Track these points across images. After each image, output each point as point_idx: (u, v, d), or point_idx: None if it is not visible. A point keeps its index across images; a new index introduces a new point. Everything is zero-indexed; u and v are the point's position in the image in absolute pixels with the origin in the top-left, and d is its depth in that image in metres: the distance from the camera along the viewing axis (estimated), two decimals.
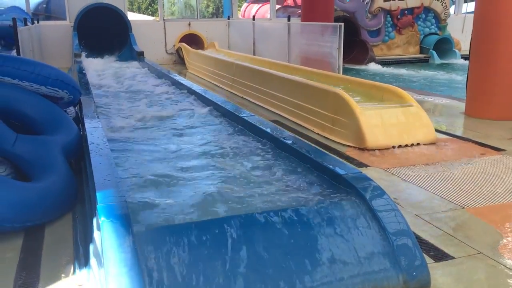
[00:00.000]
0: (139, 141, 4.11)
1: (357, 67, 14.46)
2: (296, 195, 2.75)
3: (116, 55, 12.20)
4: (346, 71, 13.63)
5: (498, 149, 4.96)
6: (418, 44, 16.21)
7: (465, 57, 15.87)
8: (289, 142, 3.53)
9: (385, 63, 15.12)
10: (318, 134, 5.65)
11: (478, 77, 6.41)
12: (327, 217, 2.45)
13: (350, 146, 5.09)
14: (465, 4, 17.69)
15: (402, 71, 13.65)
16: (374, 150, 4.93)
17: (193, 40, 14.02)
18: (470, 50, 6.62)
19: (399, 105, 5.38)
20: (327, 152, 3.47)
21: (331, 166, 2.98)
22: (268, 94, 7.22)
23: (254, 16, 13.22)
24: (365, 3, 15.39)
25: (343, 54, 15.70)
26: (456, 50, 15.72)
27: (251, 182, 2.97)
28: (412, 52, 16.19)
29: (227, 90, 8.96)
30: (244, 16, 21.68)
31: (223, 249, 2.09)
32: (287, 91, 6.66)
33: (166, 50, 13.87)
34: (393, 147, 5.01)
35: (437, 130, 5.66)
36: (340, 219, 2.46)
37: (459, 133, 5.67)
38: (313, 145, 3.85)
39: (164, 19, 13.88)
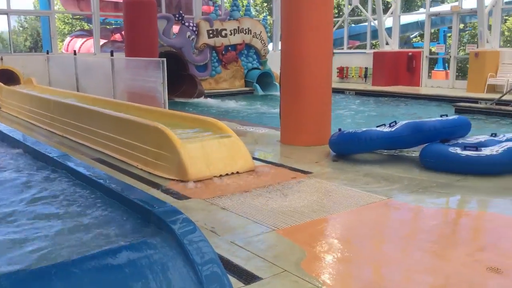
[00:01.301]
0: None
1: (187, 100, 14.79)
2: (103, 236, 2.65)
3: None
4: (176, 105, 13.85)
5: (306, 172, 5.48)
6: (243, 78, 17.28)
7: None
8: (100, 180, 3.41)
9: (214, 96, 15.76)
10: (141, 169, 5.57)
11: (288, 108, 7.06)
12: (134, 256, 2.40)
13: (173, 180, 5.13)
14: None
15: (229, 103, 14.36)
16: (196, 181, 5.04)
17: (7, 76, 12.86)
18: (280, 83, 7.27)
19: (219, 137, 5.62)
20: (138, 188, 3.43)
21: (141, 202, 2.95)
22: (89, 131, 6.92)
23: (75, 51, 12.67)
24: (191, 39, 15.90)
25: (173, 88, 15.97)
26: (276, 83, 17.10)
27: (51, 226, 2.78)
28: (238, 85, 17.18)
29: (46, 129, 8.35)
30: (67, 51, 20.64)
31: None
32: (109, 127, 6.47)
33: None
34: (215, 177, 5.19)
35: (255, 158, 6.05)
36: (148, 257, 2.43)
37: (275, 160, 6.13)
38: (125, 181, 3.78)
39: None
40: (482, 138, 5.86)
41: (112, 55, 10.16)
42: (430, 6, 16.82)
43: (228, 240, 3.54)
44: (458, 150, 5.37)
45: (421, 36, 23.46)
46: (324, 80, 7.00)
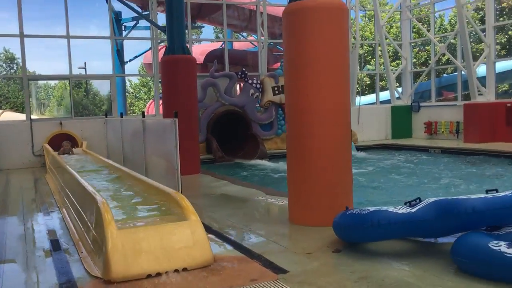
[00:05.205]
0: None
1: (249, 162, 13.81)
2: None
3: None
4: (235, 167, 12.96)
5: (280, 271, 3.96)
6: None
7: (360, 149, 15.64)
8: None
9: (279, 156, 14.57)
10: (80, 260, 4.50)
11: (294, 177, 5.64)
12: None
13: (97, 278, 3.96)
14: (358, 97, 17.89)
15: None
16: (121, 282, 3.81)
17: (70, 140, 13.05)
18: (287, 150, 5.92)
19: (172, 220, 4.38)
20: None
21: None
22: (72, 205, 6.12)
23: (121, 113, 12.45)
24: (254, 97, 15.11)
25: (236, 149, 15.12)
26: (352, 142, 15.47)
27: None
28: None
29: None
30: (148, 113, 21.09)
31: None
32: (81, 201, 5.59)
33: (33, 152, 12.69)
34: (149, 276, 3.91)
35: (234, 243, 4.72)
36: None
37: (255, 249, 4.66)
38: None
39: (31, 119, 12.86)
40: None
41: (143, 116, 9.55)
42: None
43: None
44: (503, 247, 3.52)
45: None
46: (340, 140, 5.50)
